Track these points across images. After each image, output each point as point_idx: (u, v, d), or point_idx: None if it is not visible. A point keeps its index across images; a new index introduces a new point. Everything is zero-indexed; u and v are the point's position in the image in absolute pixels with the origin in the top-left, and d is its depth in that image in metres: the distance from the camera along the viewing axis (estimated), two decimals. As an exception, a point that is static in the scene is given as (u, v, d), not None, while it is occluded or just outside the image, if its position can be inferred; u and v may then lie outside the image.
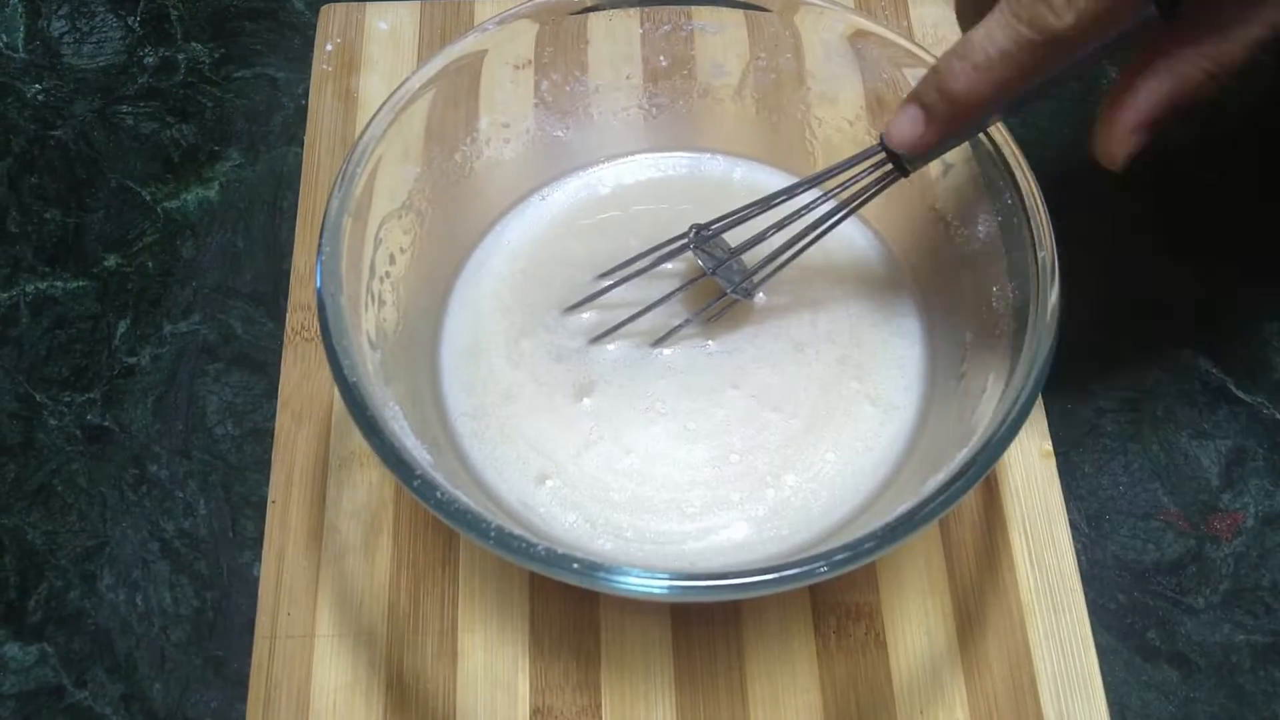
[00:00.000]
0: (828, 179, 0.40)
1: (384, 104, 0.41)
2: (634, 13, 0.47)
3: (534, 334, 0.45)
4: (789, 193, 0.41)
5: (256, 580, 0.44)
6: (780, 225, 0.41)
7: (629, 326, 0.44)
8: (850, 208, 0.41)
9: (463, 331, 0.45)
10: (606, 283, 0.45)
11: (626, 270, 0.44)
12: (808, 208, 0.40)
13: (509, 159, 0.47)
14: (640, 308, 0.44)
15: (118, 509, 0.46)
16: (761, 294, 0.45)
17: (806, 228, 0.41)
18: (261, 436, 0.47)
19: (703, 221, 0.43)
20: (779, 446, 0.42)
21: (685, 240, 0.43)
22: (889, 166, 0.39)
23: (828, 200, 0.41)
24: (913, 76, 0.43)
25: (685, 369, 0.44)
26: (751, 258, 0.44)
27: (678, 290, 0.44)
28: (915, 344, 0.45)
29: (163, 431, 0.48)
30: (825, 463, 0.42)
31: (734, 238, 0.43)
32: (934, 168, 0.44)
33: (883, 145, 0.39)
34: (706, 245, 0.43)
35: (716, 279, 0.43)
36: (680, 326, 0.44)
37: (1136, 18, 0.33)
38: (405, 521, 0.45)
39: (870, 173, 0.39)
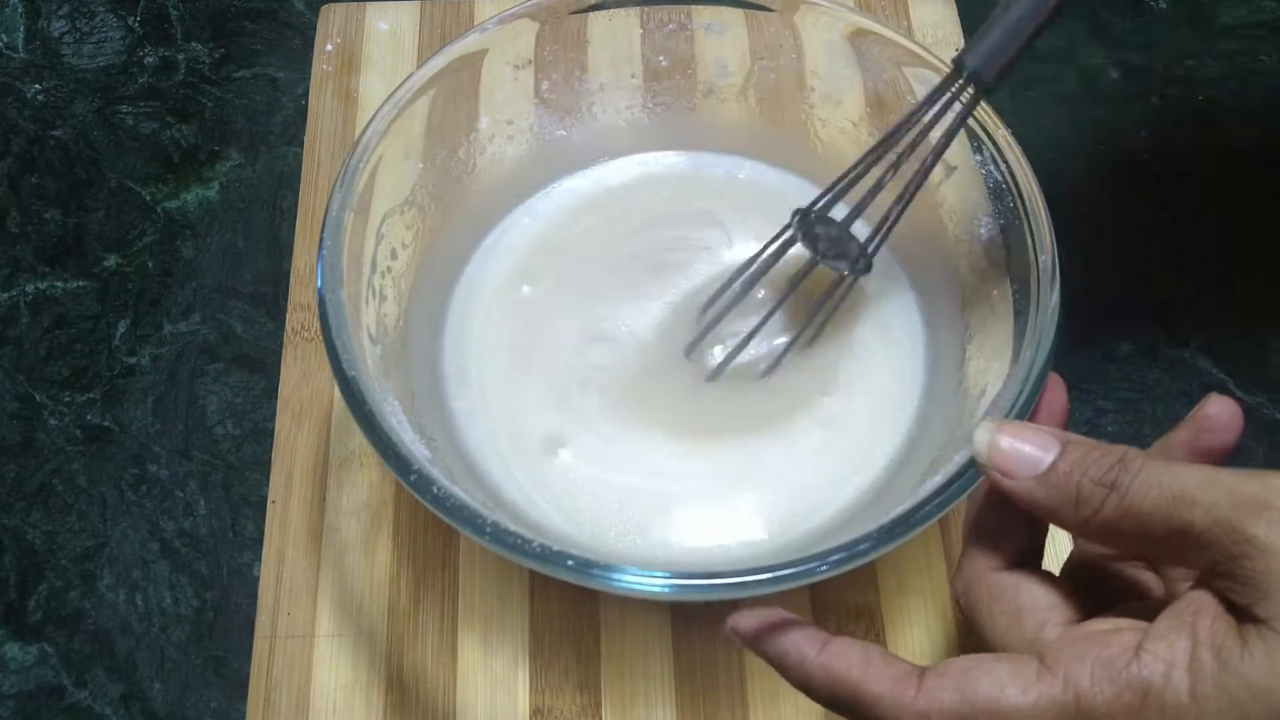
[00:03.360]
0: (917, 120, 0.39)
1: (386, 101, 0.41)
2: (634, 12, 0.47)
3: (535, 333, 0.45)
4: (883, 145, 0.39)
5: (256, 580, 0.44)
6: (880, 184, 0.39)
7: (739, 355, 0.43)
8: (945, 139, 0.38)
9: (464, 327, 0.45)
10: (715, 313, 0.43)
11: (735, 290, 0.43)
12: (900, 154, 0.39)
13: (511, 157, 0.47)
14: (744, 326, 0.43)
15: (118, 509, 0.46)
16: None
17: (914, 174, 0.39)
18: (261, 436, 0.47)
19: (801, 207, 0.41)
20: (777, 448, 0.42)
21: (790, 231, 0.41)
22: (973, 89, 0.37)
23: (912, 142, 0.39)
24: (913, 76, 0.43)
25: (670, 373, 0.44)
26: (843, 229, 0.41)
27: (784, 297, 0.42)
28: (915, 346, 0.45)
29: (163, 431, 0.48)
30: (824, 465, 0.42)
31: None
32: (935, 173, 0.44)
33: (962, 67, 0.37)
34: (812, 229, 0.41)
35: (829, 265, 0.40)
36: (790, 342, 0.42)
37: None
38: (405, 521, 0.45)
39: (953, 102, 0.38)
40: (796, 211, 0.41)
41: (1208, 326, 0.50)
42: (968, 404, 0.39)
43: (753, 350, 0.43)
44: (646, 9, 0.47)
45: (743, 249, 0.45)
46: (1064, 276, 0.36)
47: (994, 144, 0.40)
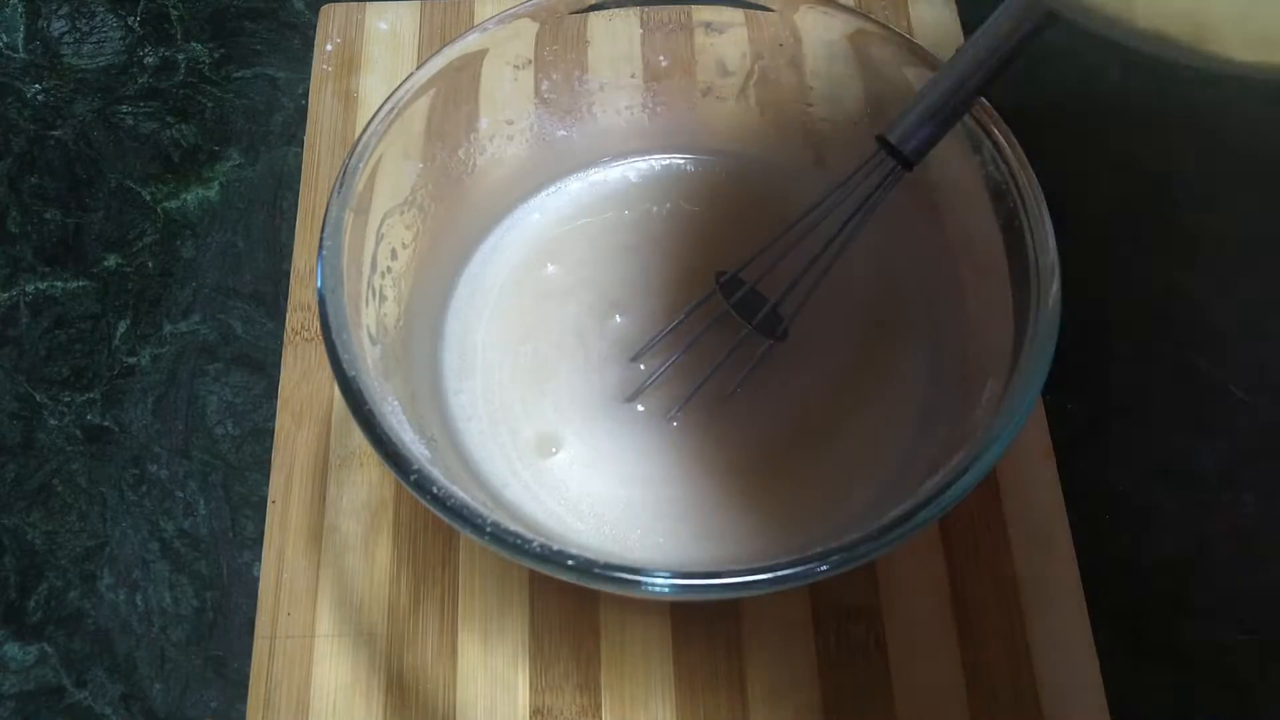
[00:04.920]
0: (837, 191, 0.40)
1: (386, 101, 0.41)
2: (634, 12, 0.47)
3: (536, 332, 0.45)
4: (804, 215, 0.41)
5: (256, 580, 0.44)
6: (793, 244, 0.40)
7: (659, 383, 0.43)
8: (862, 210, 0.40)
9: (465, 328, 0.45)
10: (640, 365, 0.44)
11: (660, 340, 0.44)
12: (819, 223, 0.40)
13: (512, 157, 0.47)
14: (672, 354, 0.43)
15: (118, 509, 0.46)
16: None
17: (825, 243, 0.40)
18: (261, 436, 0.47)
19: (723, 268, 0.42)
20: (776, 449, 0.42)
21: (713, 293, 0.42)
22: (892, 164, 0.39)
23: (839, 210, 0.40)
24: (913, 76, 0.43)
25: (682, 378, 0.44)
26: (768, 293, 0.43)
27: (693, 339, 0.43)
28: (915, 345, 0.45)
29: (163, 431, 0.48)
30: (822, 466, 0.42)
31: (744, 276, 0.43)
32: (937, 171, 0.44)
33: (883, 143, 0.38)
34: (734, 293, 0.42)
35: (757, 333, 0.42)
36: (698, 389, 0.43)
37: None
38: (405, 521, 0.45)
39: (874, 175, 0.39)
40: (718, 274, 0.42)
41: (1208, 326, 0.50)
42: (968, 403, 0.39)
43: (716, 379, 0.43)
44: (646, 9, 0.47)
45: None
46: (1064, 277, 0.36)
47: (994, 144, 0.40)
